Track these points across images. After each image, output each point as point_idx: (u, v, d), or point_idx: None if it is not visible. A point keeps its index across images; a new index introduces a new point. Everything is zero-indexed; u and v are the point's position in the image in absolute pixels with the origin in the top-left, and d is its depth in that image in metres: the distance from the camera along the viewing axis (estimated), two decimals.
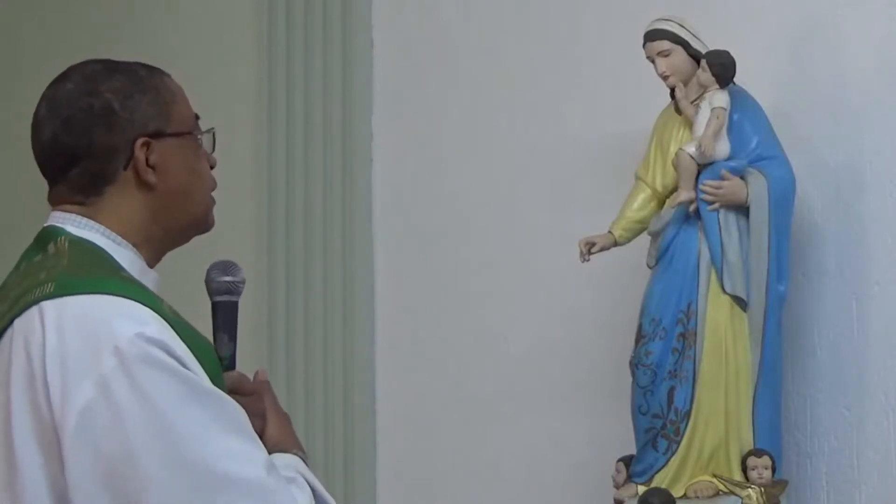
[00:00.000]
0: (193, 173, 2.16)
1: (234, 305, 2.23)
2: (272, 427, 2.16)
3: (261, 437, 2.11)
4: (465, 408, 4.93)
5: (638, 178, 4.23)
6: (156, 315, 1.98)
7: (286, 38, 5.21)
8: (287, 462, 2.08)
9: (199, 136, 2.18)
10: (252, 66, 5.33)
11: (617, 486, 4.10)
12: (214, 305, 2.22)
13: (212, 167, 2.21)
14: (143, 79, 2.14)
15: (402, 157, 5.15)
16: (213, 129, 2.22)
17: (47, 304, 1.98)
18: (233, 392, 2.09)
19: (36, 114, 2.15)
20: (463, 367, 4.94)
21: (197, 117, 2.20)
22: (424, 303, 5.05)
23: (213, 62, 5.34)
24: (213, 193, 2.21)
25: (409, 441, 5.05)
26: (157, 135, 2.11)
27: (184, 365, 1.96)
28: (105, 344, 1.93)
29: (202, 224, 2.20)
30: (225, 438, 1.95)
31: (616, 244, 4.20)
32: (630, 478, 4.07)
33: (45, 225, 2.14)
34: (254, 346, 5.02)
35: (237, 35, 5.42)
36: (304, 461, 2.13)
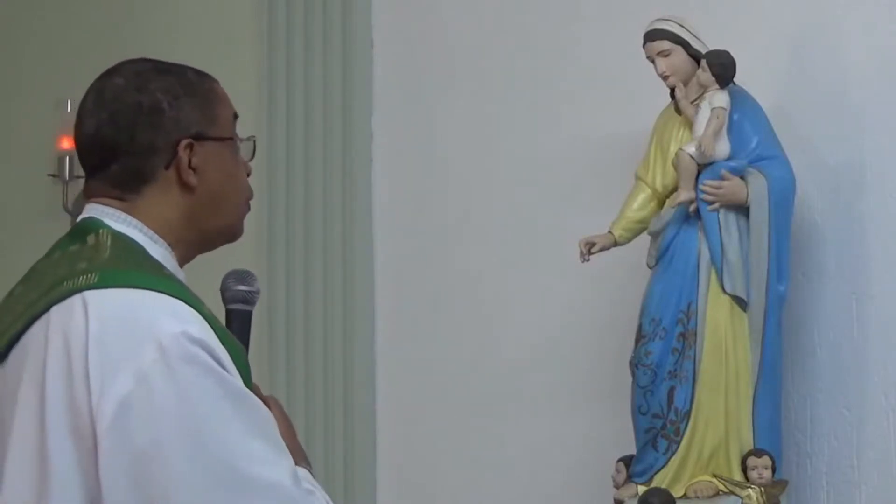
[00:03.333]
0: (232, 178, 2.17)
1: (248, 314, 2.24)
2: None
3: None
4: (464, 408, 4.93)
5: (638, 178, 4.23)
6: (198, 315, 1.99)
7: (286, 38, 5.21)
8: (303, 474, 2.08)
9: (239, 143, 2.19)
10: (252, 65, 5.33)
11: (617, 486, 4.10)
12: (228, 313, 2.23)
13: (248, 175, 2.22)
14: (193, 82, 2.15)
15: (402, 157, 5.15)
16: (253, 136, 2.23)
17: (91, 294, 1.97)
18: None
19: (82, 104, 2.15)
20: (463, 367, 4.94)
21: (236, 117, 2.20)
22: (424, 303, 5.05)
23: (213, 62, 5.28)
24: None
25: (409, 441, 5.05)
26: (201, 137, 2.12)
27: (222, 366, 1.97)
28: (148, 338, 1.93)
29: (234, 230, 2.20)
30: (255, 442, 1.96)
31: (616, 244, 4.21)
32: (630, 478, 4.07)
33: (83, 216, 2.13)
34: (254, 346, 4.98)
35: (237, 35, 5.42)
36: (310, 474, 2.14)
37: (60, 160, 5.36)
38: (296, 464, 2.10)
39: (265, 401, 2.17)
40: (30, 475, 1.96)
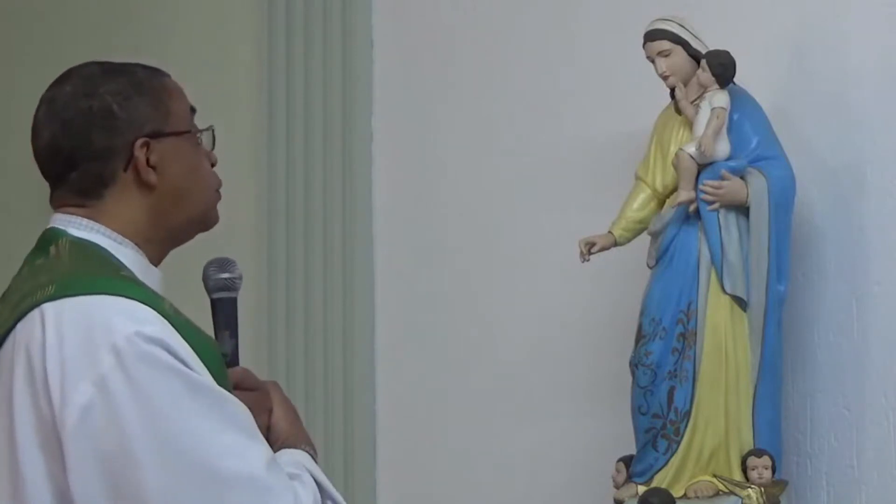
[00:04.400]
0: (193, 171, 2.16)
1: (233, 301, 2.23)
2: (280, 422, 2.16)
3: (267, 432, 2.11)
4: (465, 408, 4.93)
5: (638, 178, 4.23)
6: (156, 313, 1.98)
7: (286, 39, 5.21)
8: (294, 458, 2.08)
9: (198, 135, 2.18)
10: (252, 65, 5.33)
11: (617, 486, 4.10)
12: (213, 303, 2.23)
13: (213, 165, 2.21)
14: (143, 80, 2.14)
15: (402, 157, 5.15)
16: (212, 126, 2.22)
17: (48, 306, 1.98)
18: (237, 387, 2.09)
19: (35, 116, 2.16)
20: (463, 366, 4.94)
21: (193, 111, 2.20)
22: (424, 302, 5.05)
23: (214, 63, 5.33)
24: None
25: (409, 441, 5.05)
26: (156, 135, 2.11)
27: (184, 363, 1.96)
28: (103, 343, 1.93)
29: (204, 221, 2.19)
30: (223, 435, 1.95)
31: (616, 244, 4.21)
32: (630, 478, 4.07)
33: (47, 227, 2.14)
34: (254, 346, 5.02)
35: (237, 35, 5.42)
36: (312, 457, 2.13)
37: None
38: (297, 446, 2.10)
39: (262, 386, 2.17)
40: (5, 487, 1.97)
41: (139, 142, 2.10)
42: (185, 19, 5.55)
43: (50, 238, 2.11)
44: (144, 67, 2.17)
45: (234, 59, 5.39)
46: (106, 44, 5.30)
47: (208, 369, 2.00)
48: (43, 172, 2.16)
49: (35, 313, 1.99)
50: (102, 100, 2.10)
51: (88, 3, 5.75)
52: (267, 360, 5.08)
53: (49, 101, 2.13)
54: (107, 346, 1.93)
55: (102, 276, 2.02)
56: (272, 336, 5.12)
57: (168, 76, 2.19)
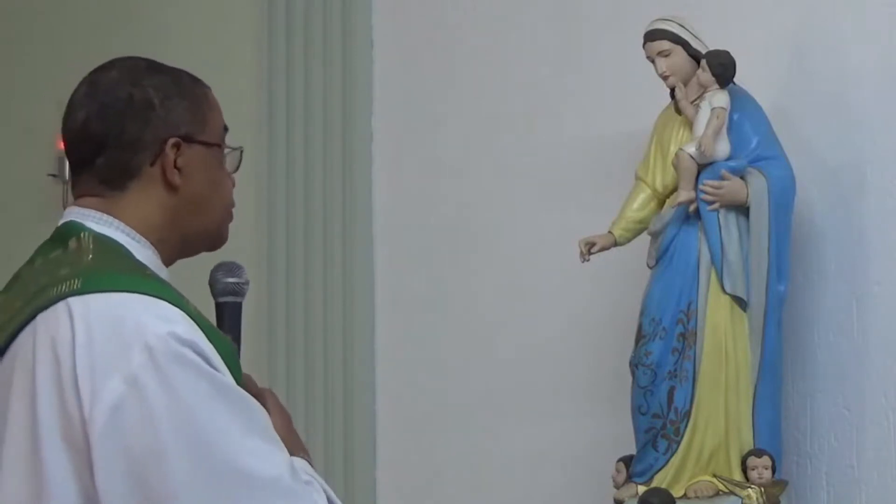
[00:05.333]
0: (216, 184, 2.17)
1: (239, 306, 2.23)
2: (278, 430, 2.16)
3: None
4: (464, 408, 4.93)
5: (638, 178, 4.24)
6: (183, 314, 1.98)
7: (286, 39, 5.21)
8: (301, 465, 2.08)
9: (226, 151, 2.19)
10: (252, 65, 5.33)
11: (617, 486, 4.10)
12: (219, 306, 2.22)
13: (232, 185, 2.21)
14: (186, 84, 2.15)
15: (402, 157, 5.15)
16: (241, 147, 2.23)
17: (75, 300, 1.97)
18: None
19: (73, 96, 2.14)
20: (463, 366, 4.94)
21: (226, 129, 2.21)
22: (424, 302, 5.05)
23: (214, 63, 5.33)
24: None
25: (409, 441, 5.05)
26: (189, 139, 2.12)
27: (211, 364, 1.96)
28: (135, 341, 1.93)
29: (215, 236, 2.19)
30: (251, 438, 1.96)
31: (616, 244, 4.21)
32: (630, 478, 4.07)
33: (64, 220, 2.13)
34: (254, 346, 5.01)
35: (237, 35, 5.42)
36: (309, 464, 2.14)
37: (60, 160, 5.35)
38: (294, 454, 2.10)
39: (260, 393, 2.17)
40: (25, 486, 1.95)
41: (172, 141, 2.10)
42: (185, 19, 5.55)
43: (68, 231, 2.10)
44: (189, 74, 2.18)
45: (234, 59, 5.39)
46: (106, 44, 5.30)
47: (229, 370, 2.01)
48: (69, 155, 2.15)
49: (60, 307, 1.97)
50: (145, 91, 2.10)
51: (88, 3, 5.75)
52: (267, 360, 5.07)
53: (91, 83, 2.13)
54: (139, 344, 1.93)
55: (130, 273, 2.02)
56: (272, 337, 5.12)
57: (210, 89, 2.20)
